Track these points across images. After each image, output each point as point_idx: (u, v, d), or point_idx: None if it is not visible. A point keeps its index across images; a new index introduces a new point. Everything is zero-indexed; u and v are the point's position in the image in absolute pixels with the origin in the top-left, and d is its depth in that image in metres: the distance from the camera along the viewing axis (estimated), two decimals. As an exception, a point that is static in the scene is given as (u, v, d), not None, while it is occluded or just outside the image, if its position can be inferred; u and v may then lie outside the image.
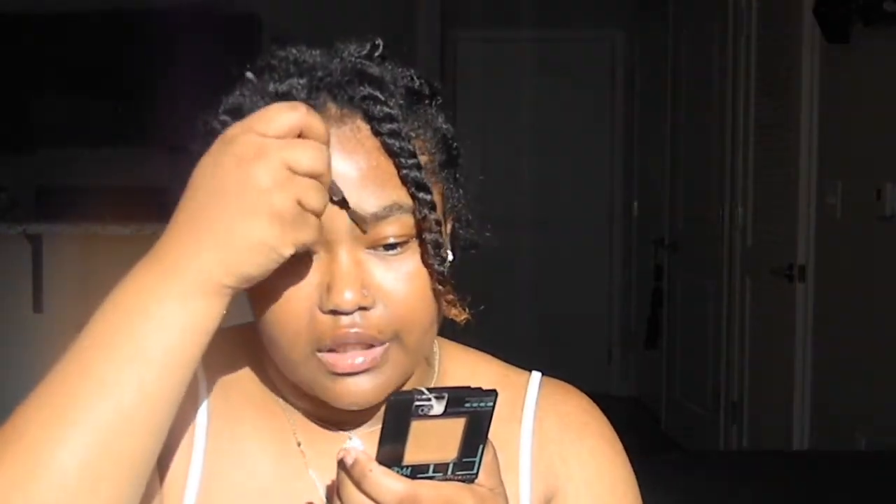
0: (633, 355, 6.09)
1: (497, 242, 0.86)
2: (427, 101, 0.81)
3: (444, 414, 0.62)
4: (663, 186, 5.26)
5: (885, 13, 2.96)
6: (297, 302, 0.74)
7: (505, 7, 6.02)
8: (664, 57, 5.24)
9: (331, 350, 0.75)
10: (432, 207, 0.76)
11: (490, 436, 0.65)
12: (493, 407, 0.63)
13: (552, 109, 6.09)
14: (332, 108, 0.76)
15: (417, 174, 0.75)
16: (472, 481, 0.65)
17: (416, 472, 0.63)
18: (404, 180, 0.75)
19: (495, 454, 0.68)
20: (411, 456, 0.63)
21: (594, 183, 6.19)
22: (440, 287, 0.78)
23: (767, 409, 3.90)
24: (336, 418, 0.83)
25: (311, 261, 0.74)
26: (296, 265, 0.73)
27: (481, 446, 0.64)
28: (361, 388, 0.76)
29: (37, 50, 5.63)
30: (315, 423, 0.84)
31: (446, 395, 0.61)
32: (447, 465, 0.64)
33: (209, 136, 0.74)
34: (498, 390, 0.64)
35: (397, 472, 0.63)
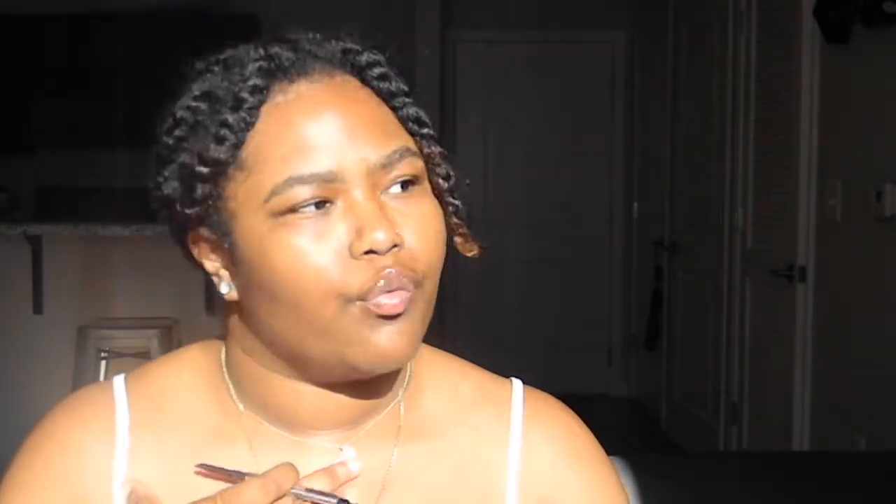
0: (632, 356, 6.09)
1: (486, 244, 0.86)
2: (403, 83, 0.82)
3: None
4: (663, 187, 5.26)
5: (885, 14, 2.95)
6: (324, 254, 0.73)
7: (505, 8, 6.01)
8: (664, 57, 5.24)
9: (364, 299, 0.74)
10: (436, 140, 0.78)
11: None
12: None
13: (552, 110, 6.09)
14: (320, 63, 0.77)
15: (415, 109, 0.78)
16: None
17: None
18: (404, 119, 0.77)
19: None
20: None
21: (594, 184, 6.19)
22: (456, 221, 0.80)
23: (767, 410, 3.90)
24: (316, 417, 0.81)
25: (333, 207, 0.74)
26: (315, 216, 0.73)
27: None
28: (400, 337, 0.75)
29: (36, 51, 5.63)
30: (281, 431, 0.81)
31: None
32: None
33: (176, 128, 0.77)
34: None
35: None
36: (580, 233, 6.17)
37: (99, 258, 3.99)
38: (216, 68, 0.79)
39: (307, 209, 0.73)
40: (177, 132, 0.79)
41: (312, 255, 0.73)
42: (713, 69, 4.49)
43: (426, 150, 0.78)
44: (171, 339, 3.70)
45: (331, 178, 0.73)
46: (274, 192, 0.73)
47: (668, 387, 5.19)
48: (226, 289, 0.80)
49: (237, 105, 0.75)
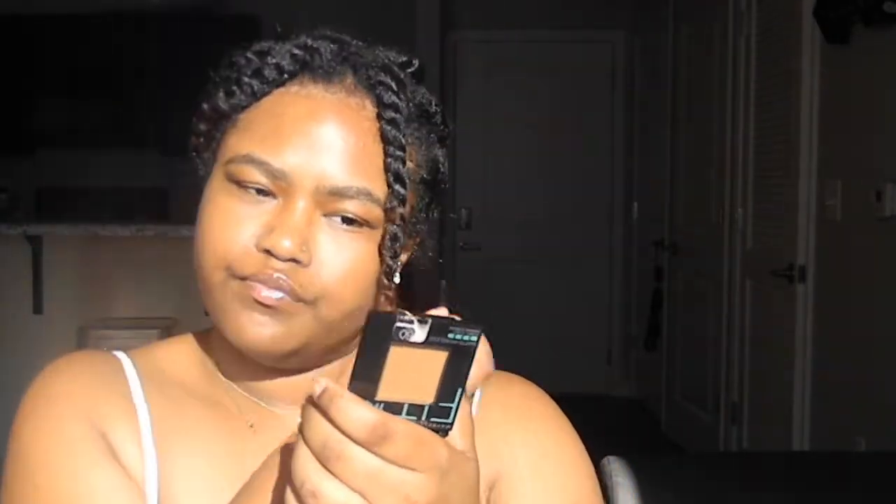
0: (633, 356, 6.09)
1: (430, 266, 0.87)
2: (434, 126, 0.85)
3: (426, 343, 0.57)
4: (663, 187, 5.26)
5: (885, 14, 2.96)
6: (238, 230, 0.77)
7: (505, 8, 6.02)
8: (664, 57, 5.24)
9: (244, 279, 0.77)
10: (402, 201, 0.78)
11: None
12: (478, 343, 0.59)
13: (552, 110, 6.09)
14: (349, 78, 0.80)
15: (400, 166, 0.78)
16: (446, 432, 0.60)
17: (389, 410, 0.57)
18: (386, 167, 0.78)
19: (471, 414, 0.64)
20: (385, 392, 0.57)
21: (594, 184, 6.19)
22: (385, 281, 0.80)
23: (767, 410, 3.90)
24: (274, 392, 0.84)
25: (268, 200, 0.77)
26: (253, 200, 0.77)
27: (460, 390, 0.59)
28: (263, 327, 0.77)
29: (37, 51, 5.64)
30: (259, 402, 0.85)
31: (429, 322, 0.57)
32: (422, 408, 0.58)
33: (230, 73, 0.81)
34: None
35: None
36: (580, 233, 6.17)
37: (99, 258, 3.99)
38: (263, 44, 0.83)
39: (250, 189, 0.77)
40: (214, 77, 0.84)
41: (227, 225, 0.77)
42: (713, 69, 4.49)
43: (388, 204, 0.78)
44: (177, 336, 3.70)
45: (280, 175, 0.76)
46: (232, 160, 0.78)
47: (668, 387, 5.19)
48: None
49: (255, 74, 0.80)
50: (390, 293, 0.81)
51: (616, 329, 6.30)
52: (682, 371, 5.01)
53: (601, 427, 4.97)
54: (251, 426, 0.84)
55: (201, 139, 0.84)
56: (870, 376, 3.14)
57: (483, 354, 0.74)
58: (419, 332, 0.56)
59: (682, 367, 5.01)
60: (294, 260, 0.75)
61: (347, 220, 0.77)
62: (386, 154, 0.78)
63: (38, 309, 3.92)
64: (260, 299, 0.76)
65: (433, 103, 0.84)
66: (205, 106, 0.83)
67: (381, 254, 0.79)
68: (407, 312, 0.56)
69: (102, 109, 5.71)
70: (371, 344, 0.56)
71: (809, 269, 3.56)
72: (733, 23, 4.22)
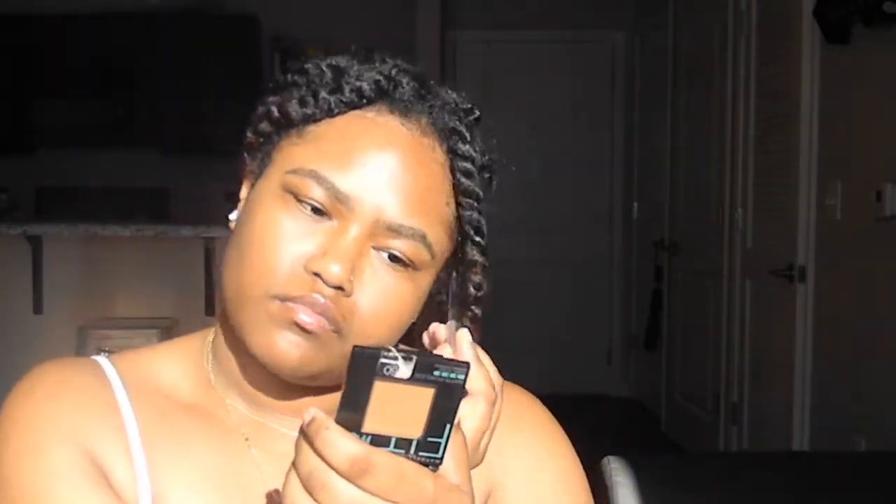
0: (632, 356, 6.09)
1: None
2: (486, 180, 0.84)
3: (411, 379, 0.57)
4: (663, 187, 5.26)
5: (885, 14, 2.95)
6: (288, 247, 0.75)
7: (505, 8, 6.02)
8: (664, 57, 5.24)
9: (285, 300, 0.75)
10: (483, 252, 0.80)
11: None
12: (465, 381, 0.58)
13: (552, 110, 6.09)
14: (424, 118, 0.79)
15: (479, 217, 0.79)
16: (437, 466, 0.60)
17: (376, 443, 0.58)
18: (466, 220, 0.79)
19: (465, 446, 0.63)
20: (372, 425, 0.57)
21: (594, 183, 6.20)
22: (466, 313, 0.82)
23: (767, 410, 3.90)
24: (272, 405, 0.82)
25: (323, 220, 0.76)
26: (307, 217, 0.76)
27: (449, 426, 0.59)
28: (296, 348, 0.75)
29: (37, 50, 5.63)
30: (255, 416, 0.83)
31: (414, 358, 0.57)
32: (410, 442, 0.58)
33: (286, 76, 0.80)
34: None
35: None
36: (580, 233, 6.17)
37: (99, 258, 3.99)
38: (339, 60, 0.82)
39: (306, 205, 0.76)
40: (284, 79, 0.83)
41: (278, 241, 0.75)
42: (713, 69, 4.49)
43: (469, 256, 0.80)
44: (171, 339, 3.70)
45: (342, 198, 0.75)
46: (295, 171, 0.76)
47: (668, 387, 5.19)
48: (233, 217, 0.83)
49: (335, 91, 0.79)
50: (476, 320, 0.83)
51: (616, 329, 6.30)
52: (681, 371, 5.01)
53: (601, 427, 4.98)
54: (246, 439, 0.82)
55: (260, 139, 0.82)
56: (870, 376, 3.14)
57: (485, 387, 0.74)
58: (404, 369, 0.57)
59: (681, 367, 5.01)
60: (339, 287, 0.74)
61: (394, 258, 0.76)
62: (462, 206, 0.79)
63: (38, 309, 3.92)
64: (300, 322, 0.74)
65: (486, 154, 0.84)
66: (273, 108, 0.81)
67: (430, 297, 0.80)
68: (392, 349, 0.57)
69: (102, 109, 5.71)
70: (356, 378, 0.57)
71: (809, 269, 3.56)
72: (733, 23, 4.22)
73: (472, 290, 0.80)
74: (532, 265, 6.09)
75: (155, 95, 5.68)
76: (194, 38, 5.60)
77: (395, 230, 0.75)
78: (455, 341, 0.69)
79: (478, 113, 0.83)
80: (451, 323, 0.72)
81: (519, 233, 5.97)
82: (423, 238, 0.76)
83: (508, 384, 0.92)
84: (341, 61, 0.81)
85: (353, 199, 0.75)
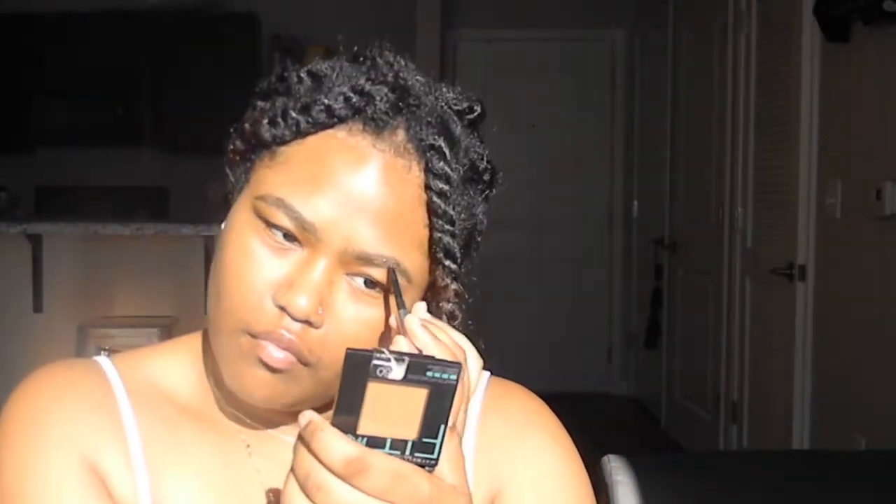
0: (633, 355, 6.10)
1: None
2: (482, 184, 0.81)
3: (404, 380, 0.57)
4: (663, 186, 5.26)
5: (884, 12, 2.95)
6: (258, 277, 0.73)
7: (504, 8, 6.02)
8: (664, 57, 5.24)
9: (255, 336, 0.73)
10: (455, 277, 0.76)
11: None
12: (457, 381, 0.58)
13: (552, 109, 6.10)
14: (400, 135, 0.74)
15: (451, 241, 0.75)
16: (432, 467, 0.60)
17: (372, 444, 0.58)
18: (436, 242, 0.75)
19: (461, 447, 0.63)
20: (368, 426, 0.58)
21: (594, 183, 6.20)
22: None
23: (767, 409, 3.90)
24: (272, 413, 0.81)
25: (293, 247, 0.74)
26: (277, 245, 0.73)
27: (443, 426, 0.59)
28: (263, 385, 0.74)
29: (37, 50, 5.63)
30: (256, 424, 0.83)
31: (407, 360, 0.57)
32: (405, 443, 0.59)
33: (280, 86, 0.77)
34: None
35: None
36: (580, 232, 6.17)
37: (99, 258, 3.99)
38: (322, 67, 0.78)
39: (276, 231, 0.73)
40: (268, 85, 0.80)
41: (249, 268, 0.73)
42: (713, 68, 4.49)
43: (440, 283, 0.77)
44: (171, 338, 3.71)
45: (309, 228, 0.72)
46: (263, 198, 0.74)
47: (668, 385, 5.19)
48: (223, 226, 0.81)
49: (304, 111, 0.75)
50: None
51: (616, 328, 6.30)
52: (682, 370, 5.01)
53: (601, 425, 4.98)
54: (248, 446, 0.82)
55: (237, 157, 0.80)
56: (870, 376, 3.14)
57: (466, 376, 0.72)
58: (397, 370, 0.57)
59: (682, 365, 5.01)
60: (307, 321, 0.72)
61: (370, 283, 0.74)
62: (434, 228, 0.75)
63: (38, 308, 3.92)
64: (265, 360, 0.73)
65: (483, 158, 0.80)
66: (246, 126, 0.78)
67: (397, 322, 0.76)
68: (385, 350, 0.57)
69: (102, 109, 5.71)
70: (350, 380, 0.57)
71: (809, 268, 3.56)
72: (733, 22, 4.22)
73: (444, 319, 0.76)
74: (532, 264, 6.09)
75: (155, 94, 5.68)
76: (194, 37, 5.60)
77: (366, 259, 0.72)
78: (405, 329, 0.67)
79: (479, 110, 0.79)
80: (401, 311, 0.69)
81: (519, 232, 5.97)
82: (396, 265, 0.73)
83: (518, 387, 0.91)
84: (323, 68, 0.77)
85: (321, 229, 0.72)
